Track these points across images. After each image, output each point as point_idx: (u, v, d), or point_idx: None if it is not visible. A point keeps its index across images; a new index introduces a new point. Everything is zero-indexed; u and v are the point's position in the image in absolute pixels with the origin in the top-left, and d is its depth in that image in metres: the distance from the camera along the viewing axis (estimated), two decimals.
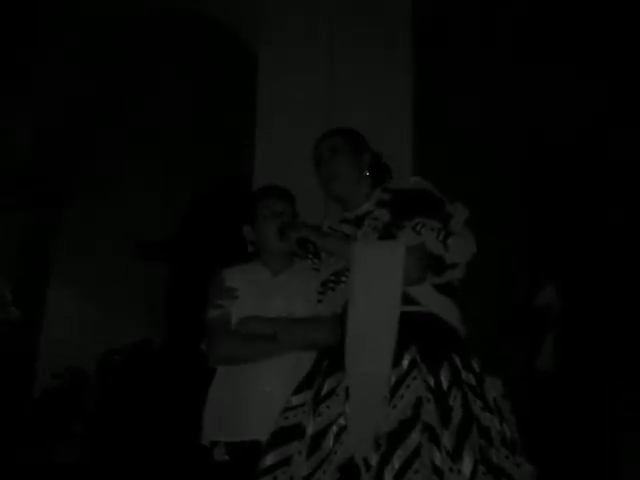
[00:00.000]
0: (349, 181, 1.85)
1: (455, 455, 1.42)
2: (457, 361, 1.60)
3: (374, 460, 1.43)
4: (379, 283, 1.58)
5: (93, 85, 4.79)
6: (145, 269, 5.64)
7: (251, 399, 1.74)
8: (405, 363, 1.55)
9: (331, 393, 1.58)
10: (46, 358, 5.16)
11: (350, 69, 2.54)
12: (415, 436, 1.43)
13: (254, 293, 1.85)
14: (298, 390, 1.66)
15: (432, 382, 1.53)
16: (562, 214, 4.09)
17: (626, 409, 3.29)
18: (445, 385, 1.53)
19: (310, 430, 1.55)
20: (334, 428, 1.52)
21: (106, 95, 4.86)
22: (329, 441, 1.51)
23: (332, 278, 1.79)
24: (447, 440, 1.44)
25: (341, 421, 1.52)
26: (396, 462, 1.40)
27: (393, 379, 1.53)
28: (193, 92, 5.00)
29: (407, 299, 1.62)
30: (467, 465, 1.41)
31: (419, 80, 2.58)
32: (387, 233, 1.70)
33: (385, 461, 1.41)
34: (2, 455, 4.19)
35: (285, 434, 1.59)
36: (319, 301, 1.81)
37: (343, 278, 1.75)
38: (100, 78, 4.72)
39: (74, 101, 4.85)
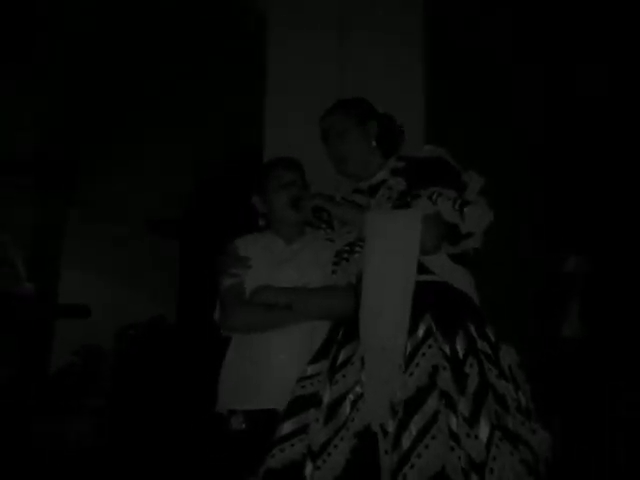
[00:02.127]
0: (359, 159, 1.84)
1: (472, 421, 1.43)
2: (472, 330, 1.60)
3: (391, 427, 1.44)
4: (395, 252, 1.57)
5: (97, 60, 4.75)
6: (157, 245, 5.67)
7: (267, 368, 1.75)
8: (420, 332, 1.55)
9: (347, 362, 1.59)
10: (60, 335, 5.24)
11: (363, 35, 2.49)
12: (432, 402, 1.43)
13: (267, 262, 1.85)
14: (314, 359, 1.67)
15: (448, 350, 1.53)
16: (586, 185, 4.02)
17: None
18: (461, 353, 1.54)
19: (326, 398, 1.56)
20: (350, 396, 1.53)
21: (111, 71, 4.82)
22: (346, 409, 1.52)
23: (346, 248, 1.78)
24: (463, 406, 1.45)
25: (357, 389, 1.53)
26: (413, 428, 1.40)
27: (409, 348, 1.53)
28: (200, 66, 4.95)
29: (422, 268, 1.62)
30: (484, 431, 1.42)
31: (431, 46, 2.54)
32: (402, 202, 1.69)
33: (402, 427, 1.42)
34: (20, 433, 4.27)
35: (302, 403, 1.60)
36: (333, 272, 1.80)
37: (357, 248, 1.74)
38: (103, 52, 4.68)
39: (81, 79, 4.83)
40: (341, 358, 1.60)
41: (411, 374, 1.48)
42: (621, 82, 3.99)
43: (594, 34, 3.68)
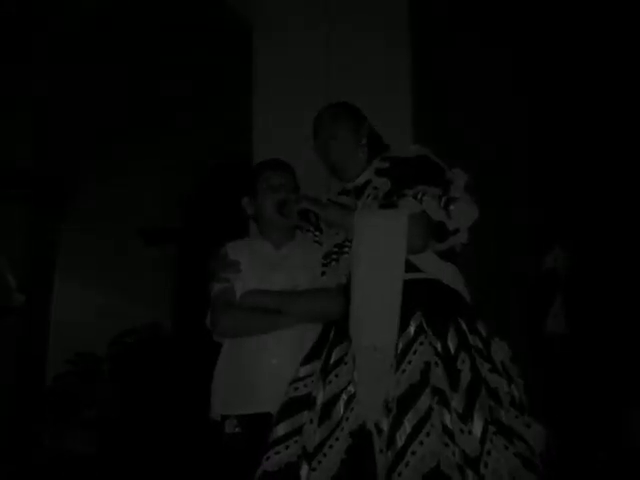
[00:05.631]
0: (346, 143, 1.82)
1: (465, 416, 1.44)
2: (463, 325, 1.60)
3: (385, 425, 1.45)
4: (382, 252, 1.58)
5: (92, 71, 4.76)
6: (152, 253, 5.66)
7: (259, 372, 1.74)
8: (411, 329, 1.56)
9: (339, 362, 1.59)
10: (55, 344, 5.21)
11: (348, 38, 2.51)
12: (425, 399, 1.44)
13: (257, 266, 1.85)
14: (306, 361, 1.67)
15: (439, 347, 1.54)
16: (570, 177, 4.04)
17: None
18: (452, 349, 1.54)
19: (320, 399, 1.56)
20: (344, 396, 1.53)
21: (105, 82, 4.83)
22: (340, 408, 1.52)
23: (335, 249, 1.78)
24: (457, 402, 1.46)
25: (350, 388, 1.53)
26: (407, 425, 1.41)
27: (400, 345, 1.53)
28: (190, 73, 4.96)
29: (411, 267, 1.62)
30: (477, 426, 1.43)
31: (417, 47, 2.55)
32: (388, 202, 1.69)
33: (396, 425, 1.42)
34: (17, 443, 4.25)
35: (295, 404, 1.60)
36: (322, 273, 1.80)
37: (345, 249, 1.74)
38: (98, 64, 4.69)
39: (75, 91, 4.83)
40: (333, 358, 1.61)
41: (403, 371, 1.49)
42: (608, 81, 4.02)
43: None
